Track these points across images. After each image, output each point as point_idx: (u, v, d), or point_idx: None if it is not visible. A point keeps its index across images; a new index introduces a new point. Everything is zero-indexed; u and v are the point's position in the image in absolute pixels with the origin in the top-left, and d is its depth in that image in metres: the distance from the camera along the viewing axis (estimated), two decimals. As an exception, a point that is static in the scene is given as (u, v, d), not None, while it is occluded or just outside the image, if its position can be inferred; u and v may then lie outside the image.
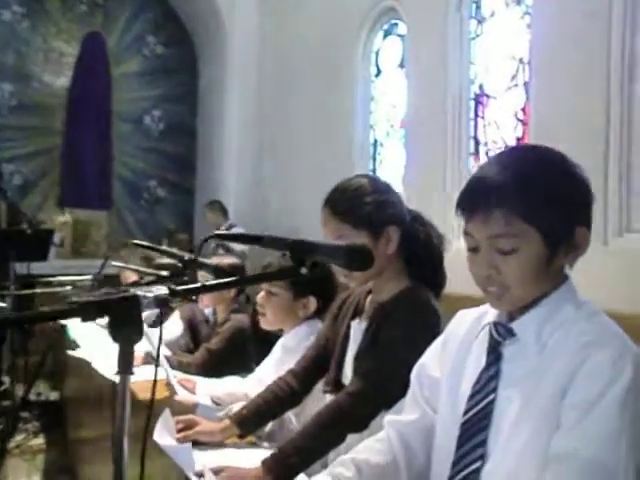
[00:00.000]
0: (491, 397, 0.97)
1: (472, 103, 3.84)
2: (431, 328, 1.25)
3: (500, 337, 0.98)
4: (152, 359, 2.27)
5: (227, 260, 2.47)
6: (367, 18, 4.83)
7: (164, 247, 1.66)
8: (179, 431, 1.35)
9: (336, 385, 1.37)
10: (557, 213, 0.91)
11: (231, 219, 5.40)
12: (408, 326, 1.26)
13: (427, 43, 4.06)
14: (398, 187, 4.53)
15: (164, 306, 0.84)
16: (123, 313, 0.84)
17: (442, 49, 3.90)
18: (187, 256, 1.59)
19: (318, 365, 1.47)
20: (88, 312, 0.83)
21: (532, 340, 0.94)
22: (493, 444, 0.95)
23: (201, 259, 1.64)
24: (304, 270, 0.96)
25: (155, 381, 0.91)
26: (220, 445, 1.38)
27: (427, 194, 3.84)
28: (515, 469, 0.91)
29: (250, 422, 1.41)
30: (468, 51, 3.84)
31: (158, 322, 2.94)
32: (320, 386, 1.46)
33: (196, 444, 1.33)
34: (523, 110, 3.47)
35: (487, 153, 3.75)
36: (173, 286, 0.86)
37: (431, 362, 1.13)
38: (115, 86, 6.99)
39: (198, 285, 0.89)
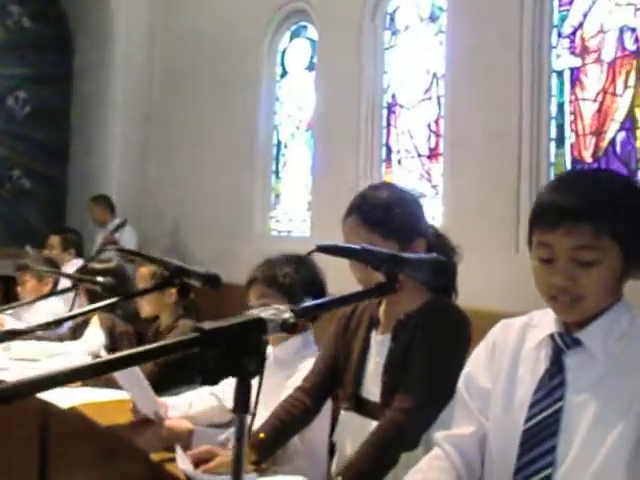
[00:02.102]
0: (559, 405, 1.01)
1: (385, 112, 3.95)
2: (465, 335, 1.27)
3: (565, 346, 1.03)
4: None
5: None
6: (274, 17, 4.75)
7: (149, 254, 1.48)
8: (196, 465, 1.20)
9: (356, 400, 1.32)
10: (638, 232, 0.99)
11: (119, 216, 4.99)
12: (444, 334, 1.27)
13: (340, 49, 4.10)
14: (305, 190, 4.53)
15: (292, 330, 0.74)
16: (245, 340, 0.72)
17: (356, 56, 3.96)
18: (175, 264, 1.43)
19: (329, 380, 1.40)
20: (211, 341, 0.70)
21: (599, 349, 1.00)
22: (564, 451, 0.98)
23: (187, 266, 1.48)
24: (398, 285, 0.92)
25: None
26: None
27: (337, 198, 3.86)
28: (596, 476, 0.94)
29: (270, 446, 1.30)
30: (382, 61, 3.95)
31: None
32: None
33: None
34: (436, 122, 3.65)
35: (399, 161, 3.88)
36: (294, 307, 0.75)
37: (479, 372, 1.14)
38: (-32, 59, 6.11)
39: (312, 304, 0.80)
